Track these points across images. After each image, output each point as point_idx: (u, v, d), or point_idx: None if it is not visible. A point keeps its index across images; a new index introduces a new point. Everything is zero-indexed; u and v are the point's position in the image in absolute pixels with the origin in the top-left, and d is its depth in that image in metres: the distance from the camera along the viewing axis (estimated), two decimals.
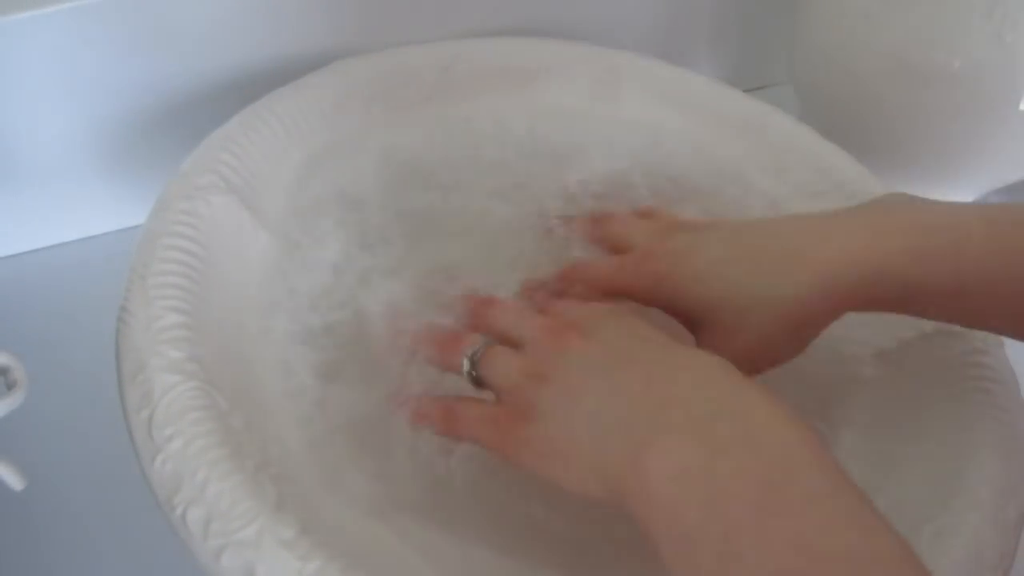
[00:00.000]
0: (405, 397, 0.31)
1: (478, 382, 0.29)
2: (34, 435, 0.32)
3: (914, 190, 0.46)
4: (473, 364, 0.29)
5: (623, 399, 0.26)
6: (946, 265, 0.28)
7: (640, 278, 0.32)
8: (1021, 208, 0.29)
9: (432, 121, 0.42)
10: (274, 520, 0.27)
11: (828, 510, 0.21)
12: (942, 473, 0.32)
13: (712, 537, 0.22)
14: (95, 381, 0.32)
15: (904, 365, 0.36)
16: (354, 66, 0.41)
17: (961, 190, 0.48)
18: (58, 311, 0.32)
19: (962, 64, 0.42)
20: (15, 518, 0.35)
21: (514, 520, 0.31)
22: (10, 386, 0.28)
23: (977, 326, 0.32)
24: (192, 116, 0.37)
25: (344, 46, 0.42)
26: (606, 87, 0.44)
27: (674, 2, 0.49)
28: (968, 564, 0.29)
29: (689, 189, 0.42)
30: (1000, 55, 0.41)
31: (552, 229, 0.38)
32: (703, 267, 0.31)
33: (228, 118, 0.37)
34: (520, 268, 0.37)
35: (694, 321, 0.32)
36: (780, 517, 0.21)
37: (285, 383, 0.33)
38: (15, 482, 0.29)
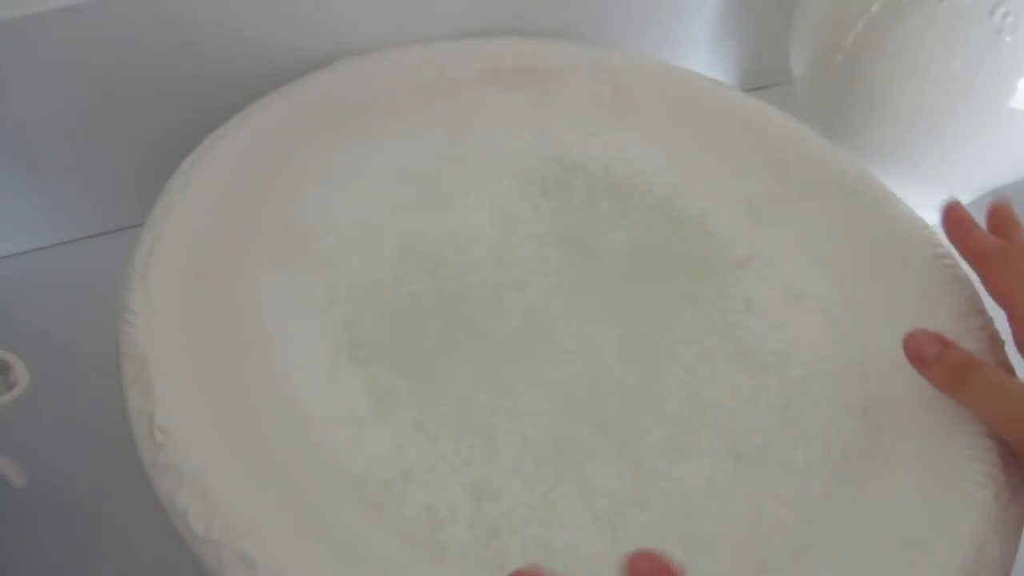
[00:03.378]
0: None
1: None
2: (35, 434, 0.32)
3: (913, 190, 0.45)
4: None
5: None
6: None
7: None
8: None
9: (433, 123, 0.42)
10: (274, 520, 0.27)
11: None
12: (939, 474, 0.32)
13: None
14: (96, 380, 0.32)
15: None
16: (353, 66, 0.41)
17: (960, 190, 0.48)
18: (59, 310, 0.32)
19: (962, 63, 0.41)
20: (15, 517, 0.35)
21: None
22: (11, 385, 0.29)
23: None
24: (192, 116, 0.37)
25: (344, 46, 0.42)
26: (606, 87, 0.44)
27: (674, 1, 0.49)
28: (969, 563, 0.29)
29: (692, 190, 0.42)
30: (1000, 54, 0.41)
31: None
32: None
33: (228, 118, 0.37)
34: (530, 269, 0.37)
35: None
36: None
37: (293, 382, 0.33)
38: (18, 479, 0.29)
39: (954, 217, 0.36)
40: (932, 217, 0.50)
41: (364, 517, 0.30)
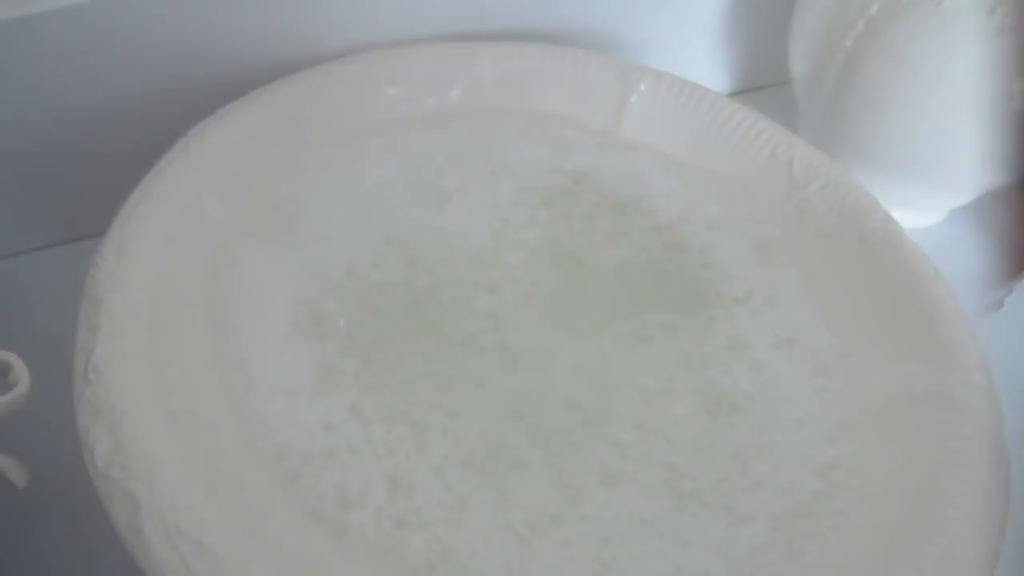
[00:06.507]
0: None
1: None
2: (35, 434, 0.32)
3: (913, 190, 0.45)
4: None
5: None
6: None
7: None
8: None
9: (451, 120, 0.42)
10: (173, 468, 0.28)
11: None
12: (892, 550, 0.30)
13: None
14: None
15: None
16: (382, 56, 0.42)
17: (960, 190, 0.46)
18: (59, 310, 0.33)
19: (962, 63, 0.40)
20: (15, 517, 0.35)
21: None
22: (11, 385, 0.29)
23: None
24: (191, 116, 0.38)
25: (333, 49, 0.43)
26: (636, 105, 0.43)
27: (672, 1, 0.48)
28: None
29: (701, 218, 0.40)
30: (1000, 55, 0.39)
31: None
32: None
33: None
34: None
35: None
36: None
37: (242, 346, 0.34)
38: (18, 479, 0.30)
39: None
40: (932, 216, 0.48)
41: (274, 485, 0.30)
